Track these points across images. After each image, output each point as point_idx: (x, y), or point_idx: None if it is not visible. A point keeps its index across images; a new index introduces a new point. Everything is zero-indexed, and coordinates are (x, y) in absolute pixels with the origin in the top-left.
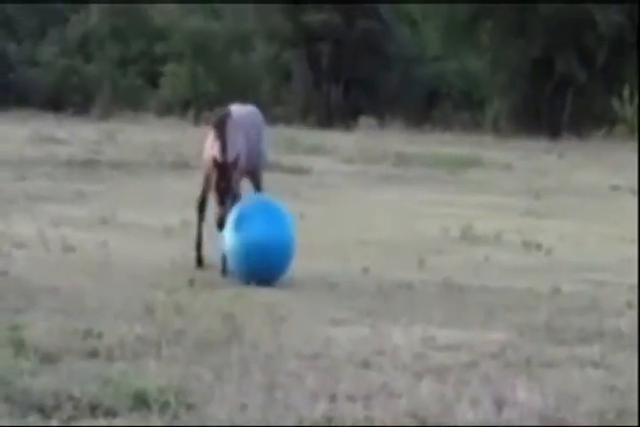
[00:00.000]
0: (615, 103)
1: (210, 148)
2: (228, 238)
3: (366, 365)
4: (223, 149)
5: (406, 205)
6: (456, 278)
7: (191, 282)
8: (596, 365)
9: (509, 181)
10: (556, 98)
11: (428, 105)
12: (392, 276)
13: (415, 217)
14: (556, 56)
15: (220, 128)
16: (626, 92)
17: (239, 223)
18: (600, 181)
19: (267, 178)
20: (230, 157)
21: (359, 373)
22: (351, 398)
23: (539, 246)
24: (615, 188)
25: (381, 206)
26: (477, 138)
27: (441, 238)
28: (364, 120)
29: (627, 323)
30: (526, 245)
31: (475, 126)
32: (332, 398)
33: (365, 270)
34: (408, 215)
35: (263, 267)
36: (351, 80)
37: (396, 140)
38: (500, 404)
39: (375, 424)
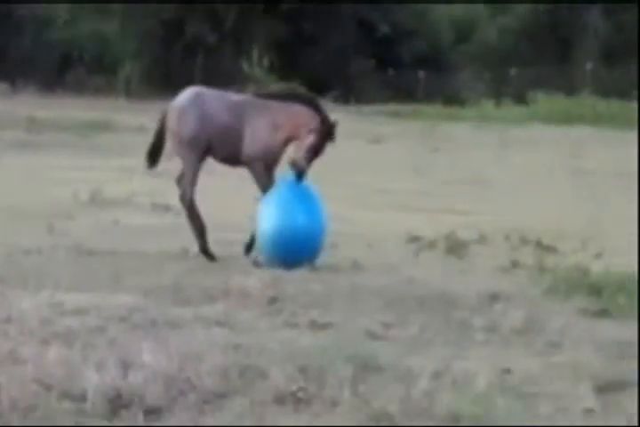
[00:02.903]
0: (244, 64)
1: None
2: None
3: None
4: None
5: (37, 170)
6: (85, 243)
7: None
8: (220, 324)
9: (141, 144)
10: (187, 60)
11: (60, 69)
12: (21, 242)
13: (46, 183)
14: (186, 19)
15: None
16: (254, 54)
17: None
18: None
19: None
20: None
21: None
22: None
23: (167, 208)
24: None
25: (12, 173)
26: (110, 101)
27: (71, 203)
28: None
29: (253, 281)
30: (156, 207)
31: (108, 90)
32: None
33: None
34: (38, 181)
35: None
36: None
37: (27, 105)
38: (125, 367)
39: (1, 392)
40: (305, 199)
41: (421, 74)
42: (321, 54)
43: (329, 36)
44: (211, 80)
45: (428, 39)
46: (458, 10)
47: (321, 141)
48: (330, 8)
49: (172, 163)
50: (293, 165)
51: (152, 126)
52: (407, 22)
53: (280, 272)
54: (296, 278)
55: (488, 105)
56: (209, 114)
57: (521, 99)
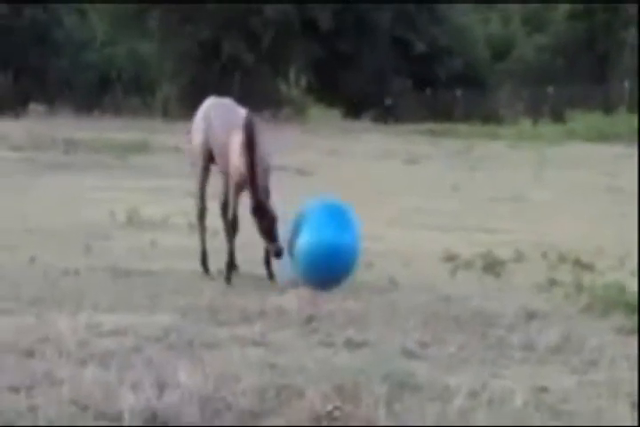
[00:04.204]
0: (282, 85)
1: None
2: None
3: (30, 354)
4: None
5: (74, 191)
6: (122, 263)
7: None
8: (256, 343)
9: (177, 164)
10: (224, 80)
11: (98, 91)
12: (59, 263)
13: (83, 204)
14: (223, 40)
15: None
16: (291, 75)
17: (308, 226)
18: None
19: None
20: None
21: (22, 362)
22: (14, 389)
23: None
24: (281, 168)
25: (49, 194)
26: (148, 122)
27: (108, 224)
28: (33, 107)
29: (289, 301)
30: (192, 227)
31: (145, 111)
32: None
33: (32, 259)
34: (76, 202)
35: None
36: (20, 68)
37: (65, 126)
38: (161, 387)
39: (38, 413)
40: (338, 217)
41: (459, 93)
42: (358, 74)
43: (365, 56)
44: (247, 101)
45: (464, 58)
46: (494, 28)
47: None
48: (366, 28)
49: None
50: None
51: (186, 149)
52: (444, 41)
53: (316, 291)
54: (332, 297)
55: (525, 123)
56: (212, 125)
57: (559, 117)
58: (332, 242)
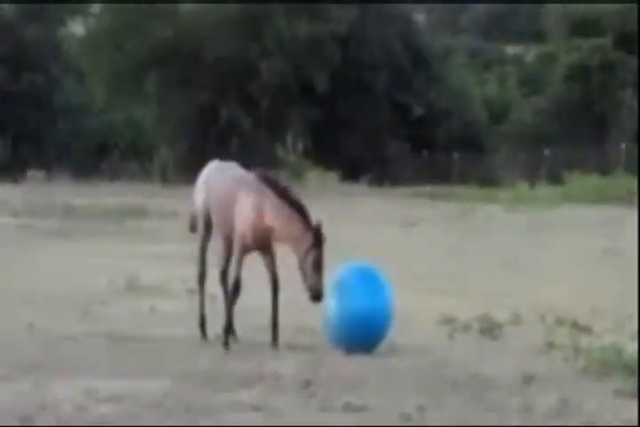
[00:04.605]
0: (279, 149)
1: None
2: (330, 307)
3: (28, 420)
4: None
5: (72, 258)
6: (121, 329)
7: None
8: (255, 408)
9: (175, 229)
10: (222, 145)
11: (96, 156)
12: (57, 329)
13: (81, 270)
14: (221, 104)
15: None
16: (289, 139)
17: (341, 292)
18: None
19: None
20: None
21: None
22: None
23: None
24: None
25: (48, 260)
26: (146, 187)
27: (106, 290)
28: (31, 173)
29: (286, 366)
30: (191, 292)
31: (143, 176)
32: None
33: (31, 325)
34: (74, 268)
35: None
36: (18, 133)
37: (63, 192)
38: None
39: None
40: (371, 283)
41: (456, 155)
42: (355, 138)
43: (363, 119)
44: (245, 165)
45: (462, 120)
46: (491, 90)
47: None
48: (363, 91)
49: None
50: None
51: (185, 212)
52: (441, 103)
53: (314, 356)
54: (330, 362)
55: (523, 186)
56: (213, 188)
57: (556, 179)
58: (368, 308)
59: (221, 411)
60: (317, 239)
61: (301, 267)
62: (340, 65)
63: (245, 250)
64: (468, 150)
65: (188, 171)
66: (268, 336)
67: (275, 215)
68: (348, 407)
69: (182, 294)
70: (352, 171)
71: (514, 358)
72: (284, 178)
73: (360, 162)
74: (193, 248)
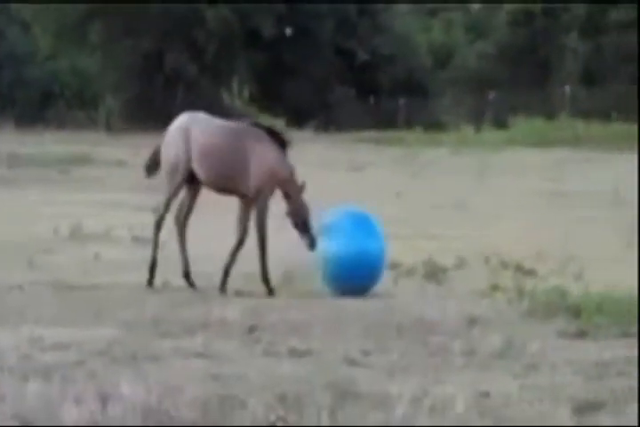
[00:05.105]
0: (225, 96)
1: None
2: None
3: None
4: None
5: (18, 206)
6: (66, 278)
7: None
8: (200, 355)
9: (121, 178)
10: (168, 93)
11: (41, 105)
12: (1, 278)
13: (26, 218)
14: (166, 52)
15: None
16: (234, 85)
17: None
18: None
19: None
20: None
21: None
22: None
23: (147, 241)
24: None
25: None
26: (91, 136)
27: (51, 238)
28: None
29: (232, 311)
30: (136, 240)
31: (89, 125)
32: None
33: None
34: (19, 217)
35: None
36: None
37: (7, 141)
38: (104, 400)
39: None
40: (369, 225)
41: (402, 100)
42: (301, 84)
43: (309, 65)
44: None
45: (407, 66)
46: (436, 36)
47: None
48: (309, 37)
49: (150, 197)
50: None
51: (131, 160)
52: (386, 49)
53: (259, 301)
54: (275, 307)
55: (468, 130)
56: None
57: (501, 123)
58: (363, 249)
59: (167, 358)
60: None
61: (294, 212)
62: (286, 12)
63: (271, 189)
64: (414, 95)
65: (134, 119)
66: (215, 283)
67: (284, 165)
68: (292, 352)
69: (127, 241)
70: (298, 117)
71: (458, 302)
72: None
73: (306, 108)
74: (139, 197)
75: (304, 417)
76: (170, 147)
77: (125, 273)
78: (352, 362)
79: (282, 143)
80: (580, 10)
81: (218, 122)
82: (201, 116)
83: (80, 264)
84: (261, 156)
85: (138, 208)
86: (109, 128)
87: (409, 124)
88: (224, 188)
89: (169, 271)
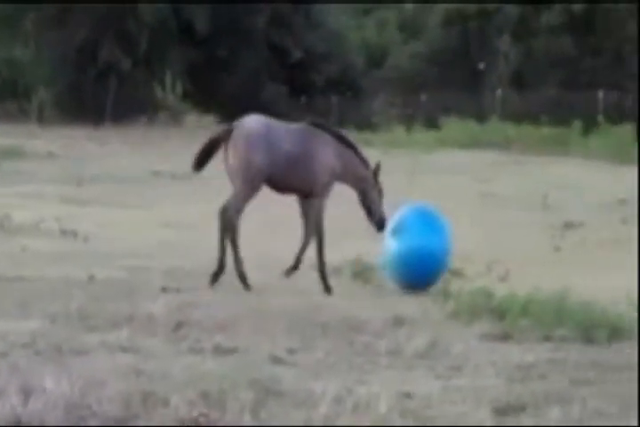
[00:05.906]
0: (158, 90)
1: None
2: (389, 245)
3: None
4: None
5: None
6: None
7: None
8: (125, 350)
9: (51, 170)
10: (100, 86)
11: None
12: None
13: None
14: (99, 45)
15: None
16: (167, 79)
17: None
18: (142, 168)
19: None
20: None
21: None
22: None
23: (75, 234)
24: (156, 173)
25: None
26: (23, 128)
27: None
28: None
29: (159, 307)
30: (64, 233)
31: (21, 116)
32: None
33: None
34: None
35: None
36: None
37: None
38: (27, 393)
39: None
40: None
41: (334, 99)
42: (233, 80)
43: (242, 61)
44: (123, 106)
45: (341, 64)
46: (370, 35)
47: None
48: (243, 33)
49: (80, 189)
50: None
51: (61, 153)
52: (320, 47)
53: (186, 297)
54: (202, 303)
55: (399, 130)
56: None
57: (432, 124)
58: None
59: (91, 352)
60: (376, 176)
61: (365, 201)
62: (220, 6)
63: (331, 185)
64: (346, 94)
65: (66, 111)
66: (144, 277)
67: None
68: (217, 349)
69: (55, 233)
70: (229, 113)
71: (385, 302)
72: (162, 120)
73: (237, 104)
74: (68, 189)
75: (226, 414)
76: (253, 152)
77: (53, 266)
78: (277, 360)
79: (343, 141)
80: (512, 11)
81: (284, 124)
82: (268, 119)
83: (6, 256)
84: (325, 154)
85: (66, 201)
86: (41, 120)
87: (341, 123)
88: (289, 187)
89: (96, 264)
